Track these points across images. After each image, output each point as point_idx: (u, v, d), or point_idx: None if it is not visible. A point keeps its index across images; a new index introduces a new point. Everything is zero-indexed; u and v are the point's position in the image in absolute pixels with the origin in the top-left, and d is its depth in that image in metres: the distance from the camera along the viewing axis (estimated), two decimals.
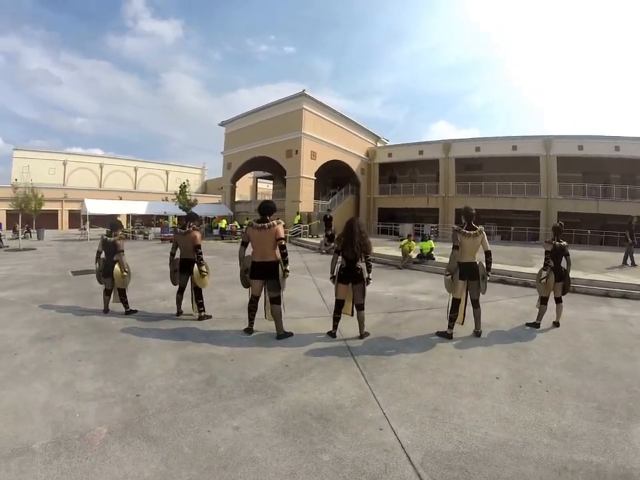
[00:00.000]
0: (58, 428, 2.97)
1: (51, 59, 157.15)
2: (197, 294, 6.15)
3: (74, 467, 2.52)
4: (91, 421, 3.09)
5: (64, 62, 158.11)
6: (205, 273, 6.10)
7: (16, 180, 23.78)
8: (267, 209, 5.37)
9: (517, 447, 2.84)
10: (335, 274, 5.36)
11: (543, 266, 6.21)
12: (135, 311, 6.45)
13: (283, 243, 5.29)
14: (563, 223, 6.51)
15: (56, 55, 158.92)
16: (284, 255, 5.25)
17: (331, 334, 5.40)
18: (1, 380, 3.84)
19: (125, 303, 6.45)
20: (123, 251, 6.38)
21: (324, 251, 16.92)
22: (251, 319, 5.52)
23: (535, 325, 6.10)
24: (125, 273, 6.34)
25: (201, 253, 6.11)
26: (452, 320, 5.47)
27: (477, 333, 5.55)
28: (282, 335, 5.32)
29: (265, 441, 2.85)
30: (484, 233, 5.52)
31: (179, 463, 2.59)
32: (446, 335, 5.46)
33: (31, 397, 3.48)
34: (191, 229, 6.20)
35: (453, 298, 5.53)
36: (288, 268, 5.31)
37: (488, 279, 5.59)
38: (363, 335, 5.36)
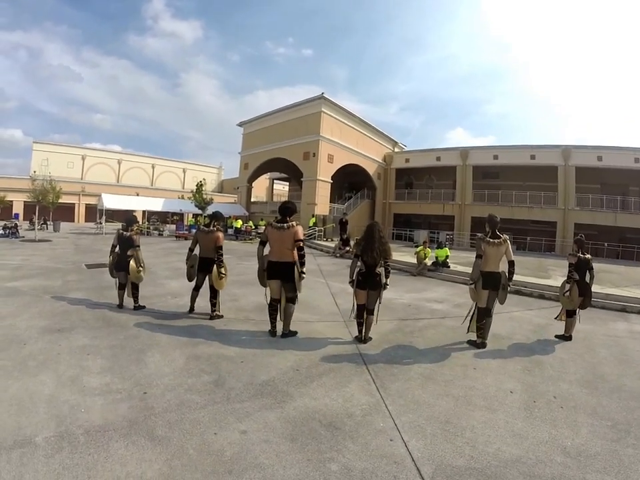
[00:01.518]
0: (62, 422, 2.94)
1: (73, 56, 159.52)
2: (213, 293, 6.11)
3: (76, 463, 2.47)
4: (96, 416, 3.05)
5: (85, 59, 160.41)
6: (224, 275, 6.08)
7: (35, 172, 24.03)
8: (287, 210, 5.37)
9: (530, 464, 2.75)
10: (353, 278, 5.31)
11: (566, 278, 6.08)
12: (143, 307, 6.44)
13: (302, 245, 5.28)
14: (583, 236, 6.36)
15: (77, 52, 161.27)
16: (301, 256, 5.23)
17: (357, 338, 5.38)
18: (8, 370, 3.83)
19: (136, 298, 6.45)
20: (139, 246, 6.39)
21: (338, 255, 16.87)
22: (273, 322, 5.48)
23: (567, 338, 5.99)
24: (141, 268, 6.35)
25: (222, 254, 6.07)
26: (479, 329, 5.40)
27: (483, 344, 5.41)
28: (287, 334, 5.36)
29: (272, 447, 2.77)
30: (509, 242, 5.41)
31: (183, 465, 2.52)
32: (476, 345, 5.38)
33: (36, 389, 3.46)
34: (214, 228, 6.18)
35: (479, 307, 5.43)
36: (304, 270, 5.27)
37: (508, 289, 5.48)
38: (366, 339, 5.32)
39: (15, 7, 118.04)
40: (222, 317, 6.14)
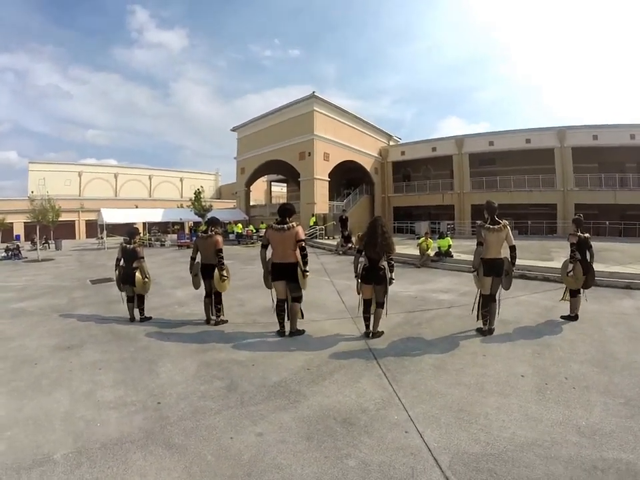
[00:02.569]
0: (79, 437, 2.95)
1: (61, 75, 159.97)
2: (217, 298, 6.14)
3: (95, 477, 2.49)
4: (112, 429, 3.06)
5: (73, 76, 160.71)
6: (226, 277, 6.09)
7: (32, 192, 24.07)
8: (285, 212, 5.41)
9: (546, 446, 2.76)
10: (358, 273, 5.32)
11: (569, 259, 6.07)
12: (150, 318, 6.46)
13: (304, 245, 5.32)
14: (582, 215, 6.37)
15: (65, 70, 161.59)
16: (304, 256, 5.29)
17: (366, 333, 5.40)
18: (22, 390, 3.85)
19: (142, 310, 6.47)
20: (143, 258, 6.40)
21: (341, 252, 16.87)
22: (281, 322, 5.52)
23: (573, 318, 6.01)
24: (146, 279, 6.36)
25: (222, 257, 6.08)
26: (484, 316, 5.42)
27: (490, 330, 5.41)
28: (294, 333, 5.43)
29: (289, 447, 2.79)
30: (508, 227, 5.40)
31: (202, 471, 2.54)
32: (482, 332, 5.39)
33: (51, 407, 3.48)
34: (212, 232, 6.20)
35: (482, 294, 5.44)
36: (307, 269, 5.32)
37: (513, 274, 5.49)
38: (375, 333, 5.33)
39: (1, 29, 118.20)
40: (227, 321, 6.18)
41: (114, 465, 2.62)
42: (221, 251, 6.07)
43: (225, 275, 6.07)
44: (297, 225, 5.33)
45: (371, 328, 5.37)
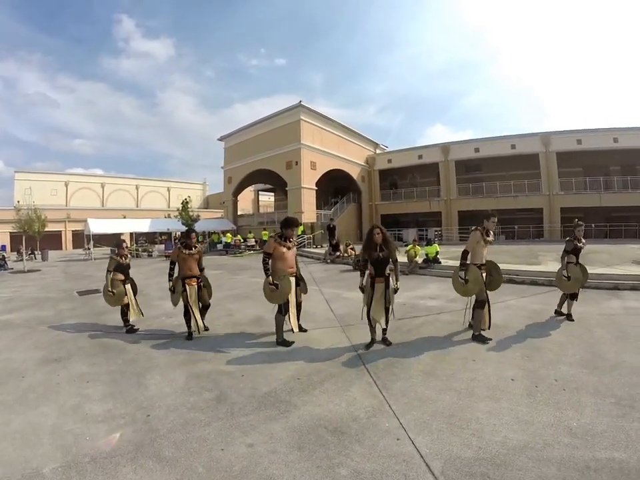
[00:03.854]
0: (68, 451, 2.92)
1: (48, 83, 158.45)
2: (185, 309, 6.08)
3: None
4: (101, 443, 3.03)
5: (61, 85, 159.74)
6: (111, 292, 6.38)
7: (18, 202, 23.84)
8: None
9: (538, 448, 2.78)
10: (364, 285, 5.39)
11: (563, 267, 6.30)
12: (136, 330, 6.40)
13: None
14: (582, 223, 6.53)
15: (53, 79, 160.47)
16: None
17: (371, 344, 5.32)
18: (9, 404, 3.80)
19: (124, 321, 6.52)
20: (109, 271, 6.45)
21: (329, 261, 16.86)
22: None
23: (570, 317, 6.26)
24: (109, 292, 6.40)
25: (172, 269, 6.14)
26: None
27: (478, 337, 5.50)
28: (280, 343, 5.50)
29: (281, 458, 2.78)
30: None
31: None
32: (485, 339, 5.39)
33: (39, 421, 3.43)
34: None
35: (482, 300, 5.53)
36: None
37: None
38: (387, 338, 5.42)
39: None
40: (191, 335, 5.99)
41: (104, 478, 2.59)
42: (172, 262, 6.17)
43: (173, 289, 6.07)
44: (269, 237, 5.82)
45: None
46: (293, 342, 5.46)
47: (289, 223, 5.63)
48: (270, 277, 5.41)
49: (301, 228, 24.52)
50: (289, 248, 5.59)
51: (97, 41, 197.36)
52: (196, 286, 6.07)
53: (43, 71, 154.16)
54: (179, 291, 5.98)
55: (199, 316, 6.02)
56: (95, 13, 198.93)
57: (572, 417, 3.20)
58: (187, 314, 5.94)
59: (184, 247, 6.16)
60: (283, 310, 5.48)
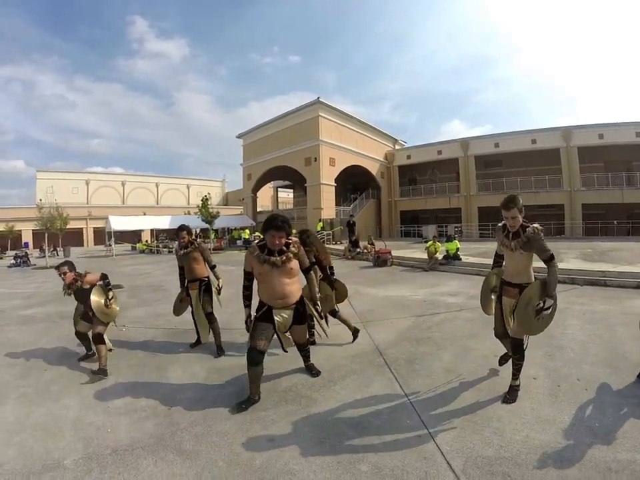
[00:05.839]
0: (89, 443, 2.94)
1: (66, 85, 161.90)
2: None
3: None
4: (122, 435, 3.05)
5: (78, 87, 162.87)
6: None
7: (40, 200, 24.27)
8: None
9: (559, 448, 2.71)
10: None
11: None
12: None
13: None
14: None
15: (70, 81, 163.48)
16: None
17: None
18: (31, 396, 3.85)
19: None
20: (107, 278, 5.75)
21: (349, 257, 16.82)
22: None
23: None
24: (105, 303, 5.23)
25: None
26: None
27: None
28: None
29: (301, 452, 2.76)
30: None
31: (214, 478, 2.52)
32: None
33: (61, 413, 3.48)
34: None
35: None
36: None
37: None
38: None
39: (1, 41, 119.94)
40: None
41: (124, 470, 2.60)
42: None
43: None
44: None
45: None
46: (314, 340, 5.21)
47: (269, 224, 3.60)
48: (245, 310, 3.81)
49: (320, 224, 24.54)
50: (273, 265, 3.53)
51: (111, 42, 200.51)
52: (197, 291, 5.32)
53: (59, 74, 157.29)
54: (179, 298, 5.53)
55: (203, 327, 5.41)
56: (108, 15, 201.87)
57: (594, 417, 3.12)
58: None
59: (179, 246, 5.36)
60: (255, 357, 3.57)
